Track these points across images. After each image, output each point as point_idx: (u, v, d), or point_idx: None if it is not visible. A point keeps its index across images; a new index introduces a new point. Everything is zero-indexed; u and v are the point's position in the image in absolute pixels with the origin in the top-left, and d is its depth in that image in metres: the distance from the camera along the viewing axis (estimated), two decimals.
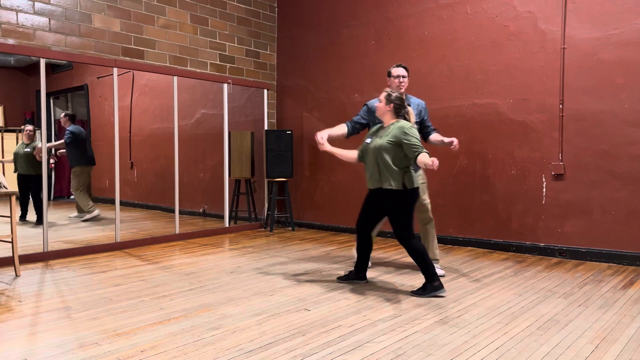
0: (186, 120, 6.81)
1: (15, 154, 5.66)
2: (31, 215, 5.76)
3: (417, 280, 4.17)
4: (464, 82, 5.66)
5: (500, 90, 5.42)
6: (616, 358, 2.56)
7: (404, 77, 4.29)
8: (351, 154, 3.98)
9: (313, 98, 7.03)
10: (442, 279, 3.99)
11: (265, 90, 7.28)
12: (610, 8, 4.78)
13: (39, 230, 5.15)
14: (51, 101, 6.26)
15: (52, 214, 5.65)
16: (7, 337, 2.87)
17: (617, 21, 4.75)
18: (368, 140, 3.91)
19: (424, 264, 3.65)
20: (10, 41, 4.81)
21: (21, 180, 5.67)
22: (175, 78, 6.17)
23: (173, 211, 6.27)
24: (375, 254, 5.26)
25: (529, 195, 5.25)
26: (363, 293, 3.78)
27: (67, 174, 6.48)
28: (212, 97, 6.90)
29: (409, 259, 5.00)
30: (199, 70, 6.43)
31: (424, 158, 3.42)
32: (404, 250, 5.52)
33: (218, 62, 6.66)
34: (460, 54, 5.67)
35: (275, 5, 7.39)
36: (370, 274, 4.38)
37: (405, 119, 3.77)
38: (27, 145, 5.64)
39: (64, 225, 6.13)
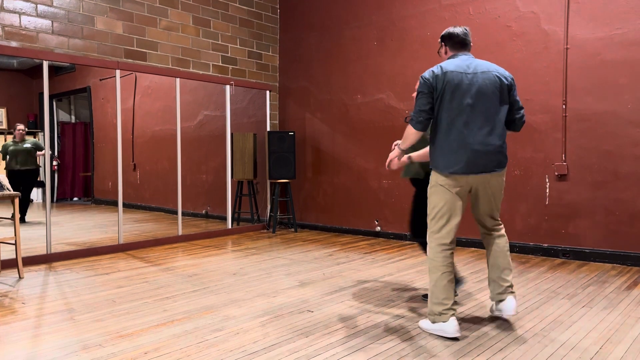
0: (189, 122, 6.81)
1: (13, 151, 5.61)
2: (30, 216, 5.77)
3: (420, 281, 4.17)
4: None
5: None
6: (620, 359, 2.55)
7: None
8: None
9: (315, 99, 7.03)
10: None
11: (268, 92, 7.29)
12: (613, 8, 4.77)
13: (42, 232, 5.15)
14: (54, 103, 6.28)
15: (55, 217, 5.66)
16: (10, 339, 2.87)
17: (621, 21, 4.73)
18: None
19: None
20: (14, 44, 4.83)
21: (17, 175, 5.62)
22: (178, 80, 6.17)
23: (176, 213, 6.28)
24: (378, 255, 5.26)
25: (533, 195, 5.23)
26: (366, 294, 3.77)
27: (69, 177, 6.49)
28: (214, 98, 6.90)
29: (412, 260, 4.99)
30: (201, 72, 6.44)
31: None
32: (407, 251, 5.51)
33: (220, 64, 6.67)
34: None
35: (278, 6, 7.40)
36: (373, 275, 4.38)
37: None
38: (21, 143, 5.62)
39: (67, 227, 6.13)
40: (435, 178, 2.93)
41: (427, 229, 3.01)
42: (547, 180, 5.15)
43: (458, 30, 3.04)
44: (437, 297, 2.89)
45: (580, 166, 4.97)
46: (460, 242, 5.69)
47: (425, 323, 2.99)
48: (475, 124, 2.85)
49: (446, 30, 3.09)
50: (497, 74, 2.92)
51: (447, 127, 2.86)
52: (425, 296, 3.60)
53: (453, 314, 2.86)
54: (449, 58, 3.02)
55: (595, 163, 4.88)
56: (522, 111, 3.04)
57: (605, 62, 4.81)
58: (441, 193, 2.90)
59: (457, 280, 3.59)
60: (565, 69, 5.03)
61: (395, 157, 3.20)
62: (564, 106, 5.05)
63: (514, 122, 3.04)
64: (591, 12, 4.88)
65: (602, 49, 4.83)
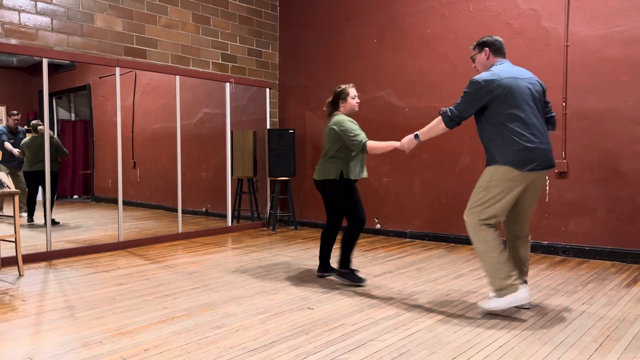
0: (189, 120, 6.81)
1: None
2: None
3: (420, 278, 4.17)
4: (467, 80, 5.61)
5: None
6: (620, 356, 2.55)
7: None
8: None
9: (315, 97, 7.02)
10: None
11: (268, 90, 7.28)
12: (613, 5, 4.76)
13: (42, 230, 5.16)
14: (54, 101, 6.28)
15: (55, 214, 5.66)
16: (11, 337, 2.87)
17: (621, 18, 4.73)
18: None
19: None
20: (13, 41, 4.82)
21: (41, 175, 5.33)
22: (178, 77, 6.17)
23: (176, 210, 6.28)
24: (378, 253, 5.26)
25: None
26: (366, 291, 3.77)
27: (69, 174, 6.49)
28: (214, 96, 6.90)
29: (412, 257, 5.00)
30: (201, 70, 6.43)
31: None
32: (407, 248, 5.51)
33: (220, 62, 6.66)
34: (463, 52, 5.65)
35: (277, 4, 7.39)
36: (373, 272, 4.38)
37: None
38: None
39: (67, 225, 6.14)
40: (503, 173, 3.06)
41: (474, 216, 3.13)
42: (547, 177, 5.15)
43: (498, 38, 3.25)
44: (502, 272, 3.07)
45: (580, 164, 4.97)
46: (460, 240, 5.69)
47: (491, 303, 3.14)
48: (538, 124, 3.09)
49: (487, 37, 3.27)
50: (538, 79, 3.21)
51: (519, 128, 3.03)
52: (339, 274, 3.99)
53: (521, 283, 3.08)
54: (493, 65, 3.20)
55: (596, 161, 4.88)
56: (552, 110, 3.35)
57: (606, 60, 4.81)
58: (506, 187, 3.05)
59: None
60: (566, 67, 5.02)
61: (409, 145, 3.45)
62: (564, 104, 5.04)
63: (550, 120, 3.32)
64: (591, 9, 4.87)
65: (603, 47, 4.82)
